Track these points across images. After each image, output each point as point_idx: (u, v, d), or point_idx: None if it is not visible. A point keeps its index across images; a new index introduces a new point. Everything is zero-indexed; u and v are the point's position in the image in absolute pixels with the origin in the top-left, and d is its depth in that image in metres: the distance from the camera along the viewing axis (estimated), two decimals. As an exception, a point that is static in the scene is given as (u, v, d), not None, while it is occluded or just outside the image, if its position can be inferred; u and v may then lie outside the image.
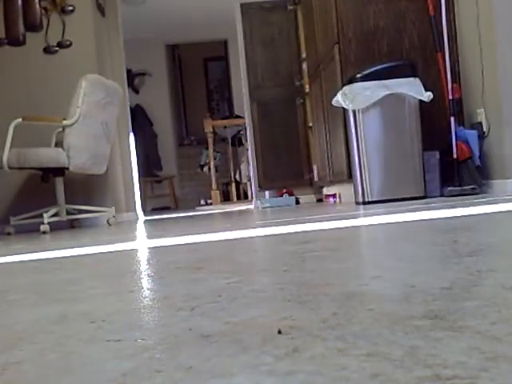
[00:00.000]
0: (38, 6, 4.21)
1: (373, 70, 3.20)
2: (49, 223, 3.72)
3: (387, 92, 3.14)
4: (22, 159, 3.61)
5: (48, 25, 4.39)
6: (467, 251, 0.92)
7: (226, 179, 8.69)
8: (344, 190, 4.21)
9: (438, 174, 3.28)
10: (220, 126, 7.99)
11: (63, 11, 4.39)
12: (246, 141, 6.39)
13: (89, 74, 3.84)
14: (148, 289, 0.87)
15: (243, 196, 8.28)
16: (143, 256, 1.43)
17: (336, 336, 0.49)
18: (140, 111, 8.84)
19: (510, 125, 2.95)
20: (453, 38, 3.48)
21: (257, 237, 1.70)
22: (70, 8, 4.39)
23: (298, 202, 5.36)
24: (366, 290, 0.68)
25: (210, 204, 7.89)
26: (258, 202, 5.42)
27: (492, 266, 0.75)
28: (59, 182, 3.96)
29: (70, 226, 4.34)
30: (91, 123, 3.84)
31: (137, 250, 1.65)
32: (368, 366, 0.40)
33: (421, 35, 3.53)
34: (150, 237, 2.22)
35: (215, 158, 8.03)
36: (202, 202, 8.61)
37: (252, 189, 6.05)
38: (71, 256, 1.64)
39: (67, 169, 3.81)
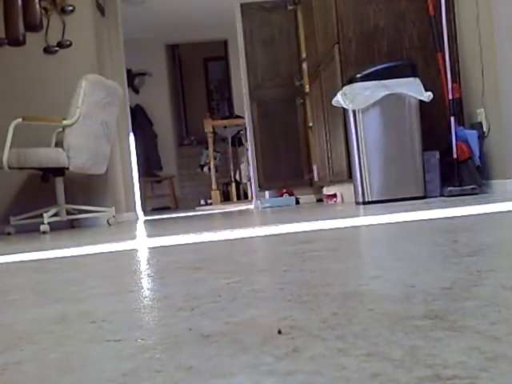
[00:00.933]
0: (37, 5, 4.21)
1: (373, 70, 3.20)
2: (49, 223, 3.72)
3: (387, 92, 3.14)
4: (21, 159, 3.61)
5: (48, 25, 4.39)
6: (467, 251, 0.92)
7: (226, 179, 8.69)
8: (344, 190, 4.21)
9: (438, 174, 3.28)
10: (220, 126, 7.99)
11: (63, 11, 4.39)
12: (246, 141, 6.39)
13: (89, 74, 3.84)
14: (148, 289, 0.87)
15: (243, 196, 8.28)
16: (143, 256, 1.43)
17: (336, 336, 0.49)
18: (140, 111, 8.84)
19: (510, 125, 2.95)
20: (453, 37, 3.48)
21: (257, 237, 1.70)
22: (70, 8, 4.40)
23: (297, 202, 5.36)
24: (365, 290, 0.68)
25: (210, 204, 7.89)
26: (258, 202, 5.42)
27: (492, 266, 0.75)
28: (59, 182, 3.96)
29: (70, 226, 4.34)
30: (91, 123, 3.84)
31: (137, 249, 1.65)
32: (368, 366, 0.40)
33: (421, 35, 3.53)
34: (149, 237, 2.22)
35: (215, 158, 8.03)
36: (202, 202, 8.61)
37: (252, 189, 6.05)
38: (71, 256, 1.64)
39: (67, 169, 3.81)
